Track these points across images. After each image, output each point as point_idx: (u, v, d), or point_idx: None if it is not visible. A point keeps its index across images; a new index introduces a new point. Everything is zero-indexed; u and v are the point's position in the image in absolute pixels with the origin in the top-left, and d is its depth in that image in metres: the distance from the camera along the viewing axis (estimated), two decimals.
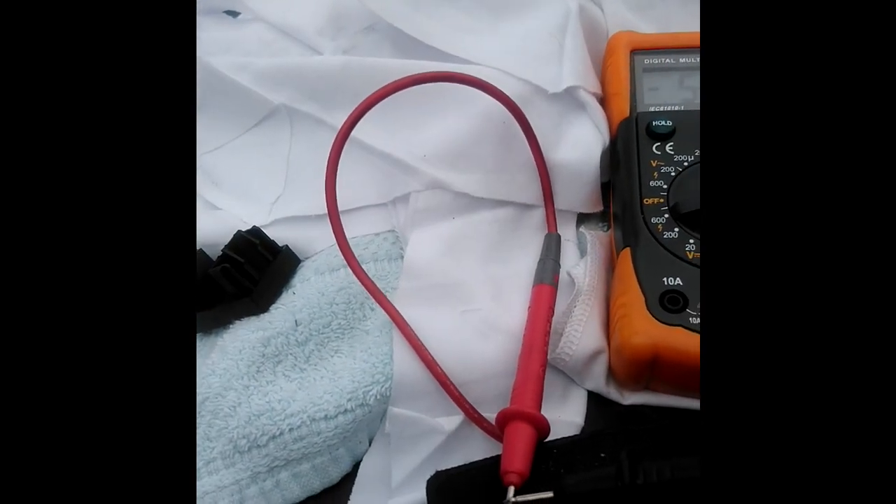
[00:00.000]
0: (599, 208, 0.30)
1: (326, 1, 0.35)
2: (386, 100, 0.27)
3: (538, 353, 0.23)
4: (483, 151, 0.28)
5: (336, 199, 0.25)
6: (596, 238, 0.28)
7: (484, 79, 0.27)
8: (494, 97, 0.27)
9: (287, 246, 0.28)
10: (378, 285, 0.27)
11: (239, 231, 0.27)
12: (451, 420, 0.23)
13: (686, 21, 0.34)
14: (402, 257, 0.28)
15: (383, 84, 0.29)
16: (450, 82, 0.26)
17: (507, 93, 0.28)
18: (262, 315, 0.26)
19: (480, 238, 0.27)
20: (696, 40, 0.31)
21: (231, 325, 0.26)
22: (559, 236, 0.28)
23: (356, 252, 0.28)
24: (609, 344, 0.25)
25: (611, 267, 0.27)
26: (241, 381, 0.24)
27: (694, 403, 0.24)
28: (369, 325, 0.26)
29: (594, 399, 0.25)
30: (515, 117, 0.27)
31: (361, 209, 0.29)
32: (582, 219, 0.30)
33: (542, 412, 0.22)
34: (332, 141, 0.30)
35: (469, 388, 0.24)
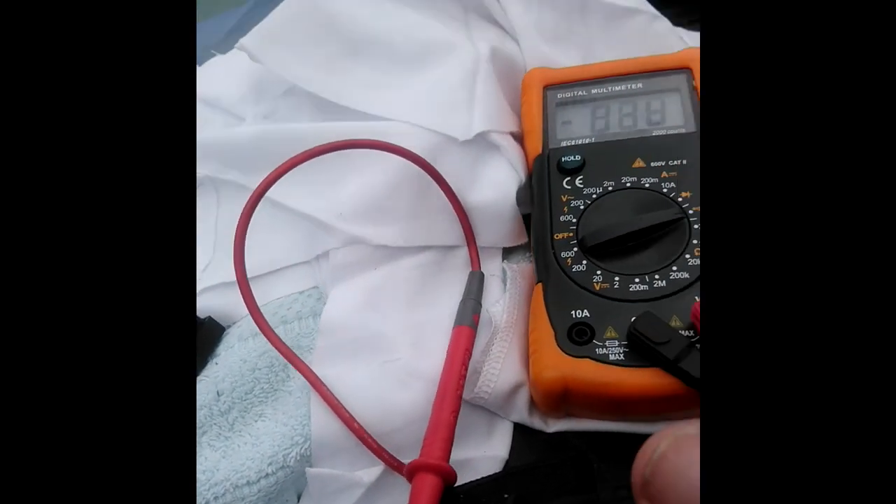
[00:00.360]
0: (524, 240, 0.30)
1: (248, 69, 0.36)
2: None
3: (450, 399, 0.23)
4: (400, 202, 0.29)
5: (244, 268, 0.25)
6: (518, 271, 0.28)
7: (397, 136, 0.28)
8: (399, 155, 0.27)
9: (209, 317, 0.28)
10: (303, 343, 0.27)
11: None
12: (371, 472, 0.23)
13: (606, 43, 0.35)
14: None
15: (299, 149, 0.30)
16: (358, 148, 0.27)
17: (422, 145, 0.28)
18: None
19: (403, 285, 0.27)
20: (606, 70, 0.32)
21: None
22: (482, 274, 0.28)
23: (280, 313, 0.28)
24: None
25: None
26: None
27: (614, 426, 0.23)
28: (292, 385, 0.26)
29: (520, 429, 0.25)
30: (425, 170, 0.28)
31: (287, 269, 0.30)
32: (508, 252, 0.30)
33: (465, 452, 0.22)
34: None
35: (390, 437, 0.24)
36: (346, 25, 0.32)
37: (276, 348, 0.25)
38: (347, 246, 0.28)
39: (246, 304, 0.25)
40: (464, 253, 0.29)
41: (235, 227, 0.31)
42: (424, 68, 0.32)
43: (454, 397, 0.23)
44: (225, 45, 0.45)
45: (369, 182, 0.29)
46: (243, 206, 0.32)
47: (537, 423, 0.24)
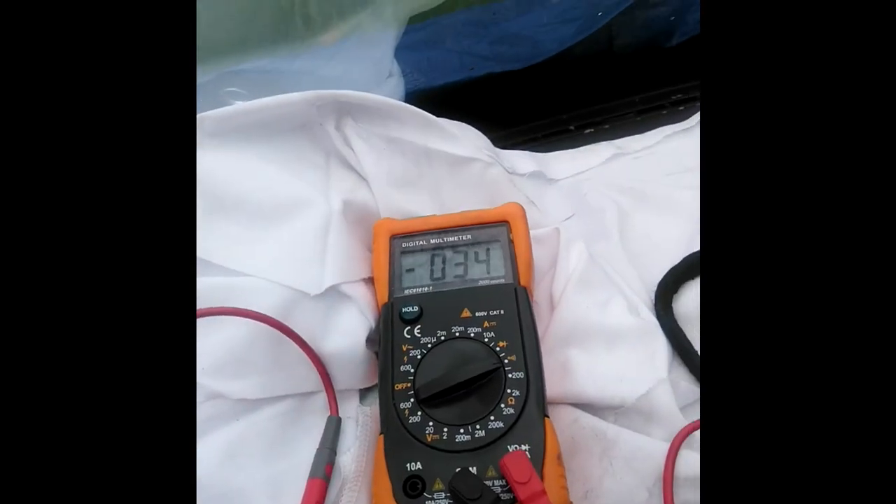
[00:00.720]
0: (376, 381, 0.34)
1: None
2: None
3: None
4: (257, 356, 0.32)
5: None
6: (370, 416, 0.32)
7: (256, 291, 0.31)
8: (257, 320, 0.31)
9: None
10: None
11: None
12: None
13: (452, 183, 0.40)
14: None
15: None
16: (208, 316, 0.30)
17: (276, 300, 0.32)
18: None
19: (263, 437, 0.30)
20: (445, 222, 0.36)
21: None
22: (339, 419, 0.31)
23: None
24: None
25: None
26: None
27: None
28: None
29: None
30: (277, 328, 0.31)
31: None
32: (365, 391, 0.34)
33: None
34: None
35: None
36: (212, 184, 0.35)
37: None
38: (209, 400, 0.31)
39: None
40: (321, 398, 0.33)
41: None
42: (281, 224, 0.35)
43: None
44: None
45: (228, 337, 0.32)
46: None
47: None
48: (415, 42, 0.62)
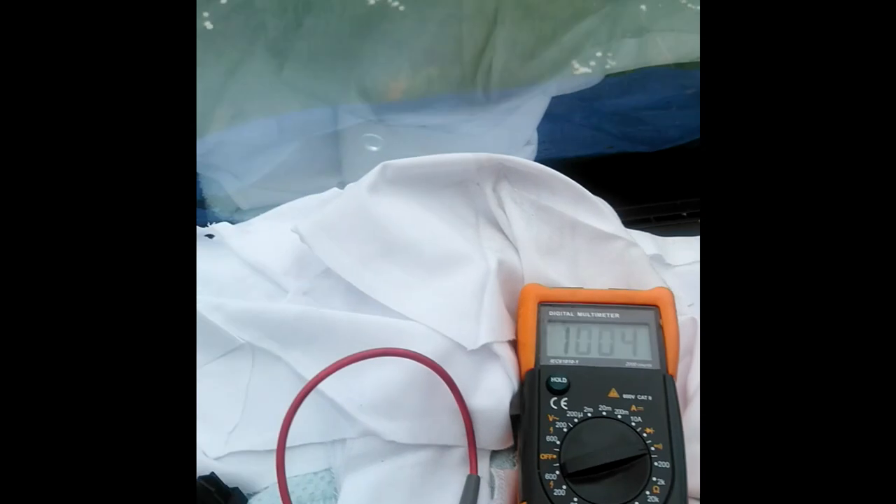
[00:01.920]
0: (510, 444, 0.35)
1: (293, 245, 0.41)
2: (336, 342, 0.32)
3: None
4: (411, 399, 0.34)
5: (283, 457, 0.30)
6: (504, 479, 0.33)
7: (417, 336, 0.33)
8: (424, 364, 0.33)
9: (237, 488, 0.33)
10: None
11: (199, 478, 0.32)
12: None
13: (590, 258, 0.41)
14: (335, 497, 0.32)
15: (332, 334, 0.35)
16: (387, 356, 0.32)
17: (436, 347, 0.34)
18: None
19: (404, 483, 0.32)
20: (593, 297, 0.38)
21: None
22: (478, 479, 0.33)
23: (296, 493, 0.32)
24: None
25: None
26: None
27: None
28: None
29: None
30: (440, 375, 0.33)
31: (304, 446, 0.34)
32: (494, 454, 0.35)
33: None
34: (289, 378, 0.36)
35: None
36: (385, 228, 0.38)
37: None
38: (362, 437, 0.33)
39: (280, 493, 0.29)
40: (459, 453, 0.34)
41: (269, 393, 0.36)
42: (444, 275, 0.38)
43: None
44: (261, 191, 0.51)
45: (386, 377, 0.34)
46: (276, 375, 0.37)
47: None
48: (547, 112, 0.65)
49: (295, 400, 0.31)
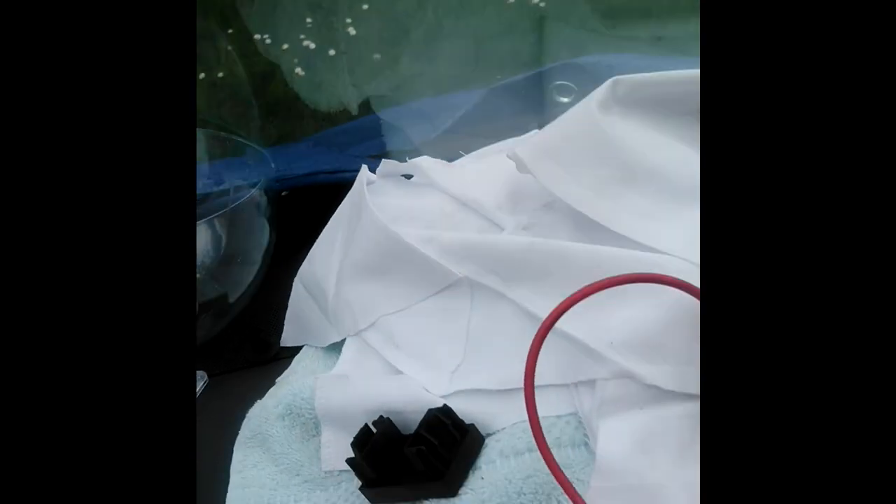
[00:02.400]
0: None
1: (505, 177, 0.37)
2: (572, 277, 0.28)
3: None
4: (673, 342, 0.28)
5: (533, 392, 0.26)
6: None
7: (674, 272, 0.28)
8: (693, 295, 0.27)
9: (474, 425, 0.29)
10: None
11: (431, 410, 0.28)
12: None
13: None
14: (586, 445, 0.27)
15: (567, 268, 0.30)
16: (659, 284, 0.27)
17: (696, 283, 0.28)
18: (451, 499, 0.26)
19: (672, 435, 0.27)
20: None
21: None
22: None
23: None
24: None
25: None
26: None
27: None
28: None
29: None
30: None
31: (540, 388, 0.30)
32: None
33: None
34: (514, 316, 0.32)
35: None
36: (622, 151, 0.33)
37: (556, 476, 0.25)
38: (617, 378, 0.28)
39: (533, 431, 0.25)
40: None
41: (492, 332, 0.32)
42: (696, 205, 0.32)
43: None
44: (450, 139, 0.48)
45: (641, 315, 0.29)
46: (499, 312, 0.33)
47: None
48: None
49: (540, 330, 0.26)
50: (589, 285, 0.26)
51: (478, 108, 0.56)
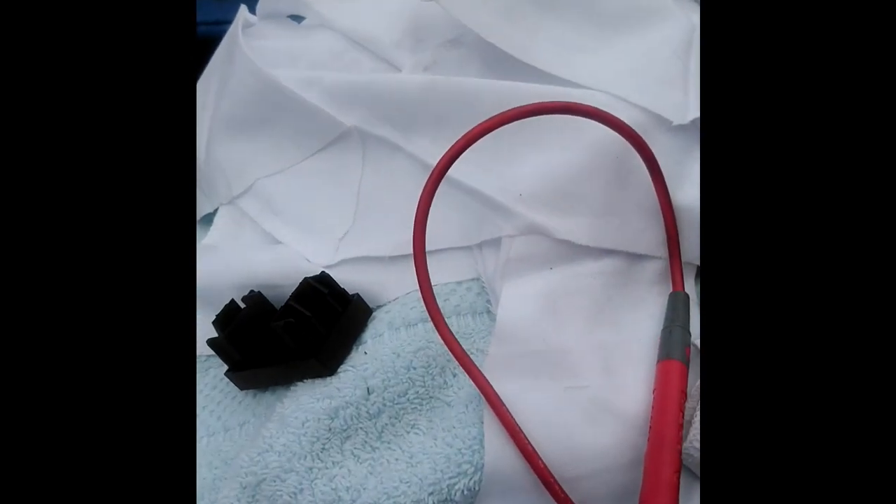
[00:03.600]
0: None
1: (405, 9, 0.31)
2: (478, 121, 0.23)
3: (670, 454, 0.19)
4: (590, 191, 0.24)
5: (424, 250, 0.21)
6: None
7: (599, 107, 0.23)
8: (619, 131, 0.22)
9: (358, 295, 0.24)
10: (462, 345, 0.23)
11: (306, 279, 0.24)
12: None
13: None
14: (489, 312, 0.24)
15: (473, 109, 0.25)
16: (571, 114, 0.22)
17: (626, 121, 0.23)
18: (329, 378, 0.22)
19: (585, 295, 0.23)
20: None
21: (293, 388, 0.23)
22: (687, 296, 0.23)
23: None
24: None
25: None
26: (304, 461, 0.21)
27: None
28: (451, 395, 0.22)
29: None
30: (641, 154, 0.23)
31: (441, 252, 0.25)
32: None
33: None
34: (413, 173, 0.27)
35: (576, 484, 0.20)
36: None
37: (452, 350, 0.21)
38: (525, 235, 0.24)
39: (423, 295, 0.21)
40: (651, 266, 0.24)
41: (386, 192, 0.28)
42: (629, 32, 0.27)
43: (674, 452, 0.19)
44: None
45: (554, 162, 0.24)
46: (394, 168, 0.28)
47: None
48: None
49: (430, 179, 0.21)
50: (487, 120, 0.21)
51: None
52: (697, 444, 0.20)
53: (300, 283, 0.23)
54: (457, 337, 0.23)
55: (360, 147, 0.29)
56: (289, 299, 0.23)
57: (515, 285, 0.23)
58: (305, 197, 0.29)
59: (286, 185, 0.29)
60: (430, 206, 0.21)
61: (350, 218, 0.28)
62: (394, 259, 0.26)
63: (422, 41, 0.30)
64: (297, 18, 0.37)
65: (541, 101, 0.23)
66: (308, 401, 0.22)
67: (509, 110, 0.22)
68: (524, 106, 0.22)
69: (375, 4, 0.33)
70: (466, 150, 0.22)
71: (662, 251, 0.24)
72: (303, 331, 0.22)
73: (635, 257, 0.24)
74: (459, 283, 0.25)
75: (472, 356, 0.22)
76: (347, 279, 0.25)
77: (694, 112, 0.24)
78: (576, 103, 0.22)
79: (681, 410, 0.20)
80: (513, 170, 0.25)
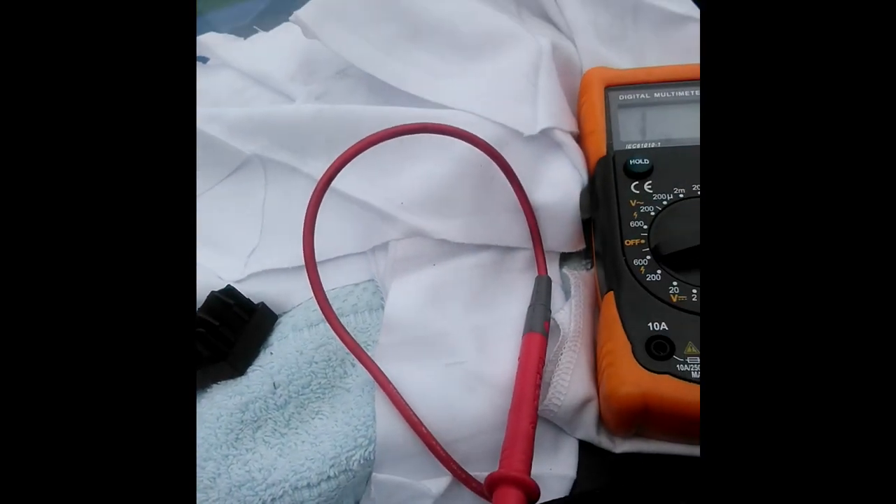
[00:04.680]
0: (582, 246, 0.29)
1: (297, 46, 0.34)
2: None
3: (528, 409, 0.22)
4: (461, 195, 0.28)
5: (314, 254, 0.24)
6: (580, 279, 0.28)
7: (460, 125, 0.27)
8: (474, 145, 0.26)
9: (263, 303, 0.27)
10: (359, 339, 0.26)
11: (213, 292, 0.26)
12: (439, 482, 0.23)
13: (659, 49, 0.35)
14: (383, 308, 0.27)
15: (357, 132, 0.28)
16: (429, 133, 0.26)
17: (486, 136, 0.27)
18: (239, 378, 0.25)
19: (463, 285, 0.27)
20: (670, 74, 0.31)
21: (208, 390, 0.25)
22: (549, 279, 0.27)
23: (335, 305, 0.27)
24: (598, 391, 0.24)
25: (596, 308, 0.27)
26: (220, 450, 0.23)
27: (685, 450, 0.23)
28: (350, 382, 0.25)
29: (586, 448, 0.24)
30: (497, 163, 0.27)
31: (339, 259, 0.29)
32: (564, 258, 0.30)
33: (533, 468, 0.21)
34: (311, 192, 0.30)
35: (456, 446, 0.23)
36: (408, 6, 0.31)
37: (343, 340, 0.24)
38: (408, 238, 0.27)
39: (314, 293, 0.24)
40: (522, 256, 0.28)
41: (287, 210, 0.31)
42: (486, 57, 0.31)
43: (531, 407, 0.22)
44: (260, 24, 0.44)
45: (431, 172, 0.28)
46: (294, 189, 0.31)
47: (605, 442, 0.24)
48: None
49: (315, 191, 0.25)
50: (359, 141, 0.25)
51: None
52: (556, 401, 0.24)
53: (207, 297, 0.26)
54: (355, 332, 0.27)
55: (262, 171, 0.32)
56: (198, 312, 0.25)
57: (401, 282, 0.27)
58: (215, 220, 0.31)
59: (198, 211, 0.32)
60: (315, 215, 0.24)
61: (256, 235, 0.31)
62: (297, 269, 0.29)
63: (313, 73, 0.34)
64: (202, 59, 0.39)
65: (414, 121, 0.27)
66: (221, 399, 0.25)
67: (379, 132, 0.25)
68: (388, 129, 0.25)
69: (270, 44, 0.37)
70: (353, 165, 0.26)
71: (528, 243, 0.28)
72: (212, 338, 0.25)
73: (506, 250, 0.28)
74: (357, 284, 0.28)
75: (368, 347, 0.26)
76: (257, 291, 0.28)
77: (542, 123, 0.28)
78: (435, 124, 0.26)
79: (539, 374, 0.24)
80: (395, 182, 0.28)
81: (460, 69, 0.31)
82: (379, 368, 0.24)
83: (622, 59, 0.34)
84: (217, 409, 0.24)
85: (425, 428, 0.23)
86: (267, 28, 0.42)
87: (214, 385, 0.25)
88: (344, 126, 0.29)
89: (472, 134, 0.26)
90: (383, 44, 0.31)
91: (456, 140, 0.27)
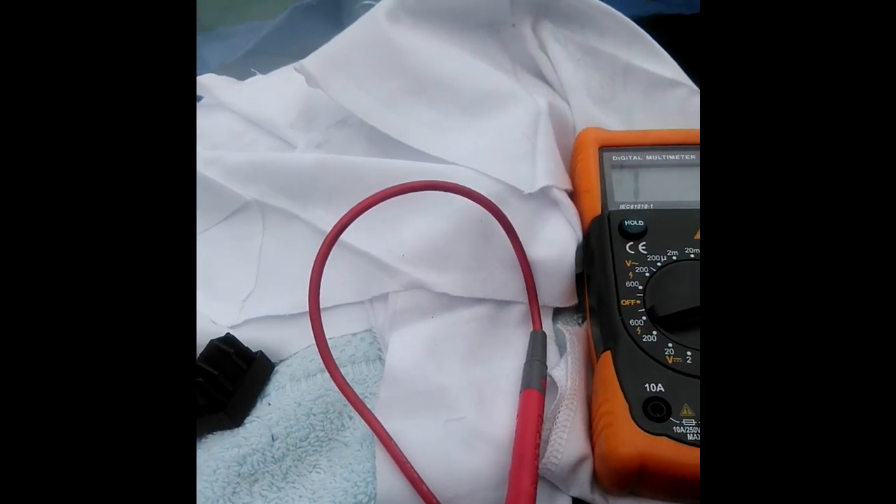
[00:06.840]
0: (574, 302, 0.30)
1: (298, 93, 0.35)
2: (364, 193, 0.27)
3: (529, 468, 0.23)
4: (461, 250, 0.28)
5: (318, 309, 0.24)
6: (574, 334, 0.28)
7: (462, 181, 0.28)
8: (480, 203, 0.27)
9: (261, 352, 0.27)
10: (357, 391, 0.26)
11: (212, 341, 0.26)
12: None
13: (646, 111, 0.36)
14: (381, 359, 0.27)
15: (360, 184, 0.29)
16: (437, 191, 0.27)
17: (486, 193, 0.28)
18: (236, 430, 0.25)
19: (460, 338, 0.27)
20: (663, 138, 0.32)
21: (204, 440, 0.25)
22: (545, 335, 0.28)
23: (334, 355, 0.27)
24: (593, 449, 0.25)
25: (590, 365, 0.28)
26: None
27: None
28: (348, 436, 0.25)
29: None
30: (499, 220, 0.28)
31: (337, 308, 0.29)
32: (557, 313, 0.30)
33: None
34: (309, 239, 0.30)
35: (455, 502, 0.23)
36: (411, 62, 0.32)
37: (345, 394, 0.24)
38: (408, 290, 0.28)
39: (319, 349, 0.24)
40: (516, 310, 0.29)
41: (285, 256, 0.31)
42: (487, 115, 0.32)
43: (532, 467, 0.23)
44: (251, 61, 0.44)
45: (431, 226, 0.29)
46: (292, 236, 0.31)
47: (599, 499, 0.24)
48: None
49: (323, 245, 0.25)
50: (368, 197, 0.25)
51: (281, 29, 0.51)
52: (554, 460, 0.24)
53: (207, 345, 0.26)
54: (352, 383, 0.26)
55: (260, 217, 0.32)
56: (197, 360, 0.25)
57: (401, 334, 0.27)
58: (211, 263, 0.31)
59: None
60: (323, 268, 0.25)
61: (252, 281, 0.30)
62: (294, 316, 0.29)
63: (313, 121, 0.34)
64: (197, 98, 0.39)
65: (417, 175, 0.28)
66: (218, 451, 0.24)
67: (387, 189, 0.26)
68: (399, 185, 0.26)
69: (271, 89, 0.37)
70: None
71: (524, 297, 0.29)
72: (211, 388, 0.24)
73: (502, 303, 0.29)
74: (354, 334, 0.28)
75: (366, 399, 0.26)
76: (252, 337, 0.28)
77: (541, 182, 0.29)
78: (441, 182, 0.27)
79: (538, 432, 0.24)
80: (396, 234, 0.29)
81: (461, 125, 0.31)
82: (380, 423, 0.24)
83: (612, 120, 0.35)
84: (214, 461, 0.24)
85: (426, 485, 0.23)
86: (259, 65, 0.43)
87: (210, 436, 0.25)
88: (346, 177, 0.30)
89: (479, 193, 0.27)
90: (386, 97, 0.32)
91: (456, 196, 0.28)
